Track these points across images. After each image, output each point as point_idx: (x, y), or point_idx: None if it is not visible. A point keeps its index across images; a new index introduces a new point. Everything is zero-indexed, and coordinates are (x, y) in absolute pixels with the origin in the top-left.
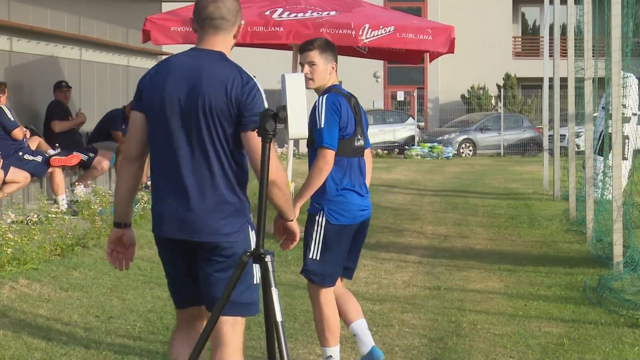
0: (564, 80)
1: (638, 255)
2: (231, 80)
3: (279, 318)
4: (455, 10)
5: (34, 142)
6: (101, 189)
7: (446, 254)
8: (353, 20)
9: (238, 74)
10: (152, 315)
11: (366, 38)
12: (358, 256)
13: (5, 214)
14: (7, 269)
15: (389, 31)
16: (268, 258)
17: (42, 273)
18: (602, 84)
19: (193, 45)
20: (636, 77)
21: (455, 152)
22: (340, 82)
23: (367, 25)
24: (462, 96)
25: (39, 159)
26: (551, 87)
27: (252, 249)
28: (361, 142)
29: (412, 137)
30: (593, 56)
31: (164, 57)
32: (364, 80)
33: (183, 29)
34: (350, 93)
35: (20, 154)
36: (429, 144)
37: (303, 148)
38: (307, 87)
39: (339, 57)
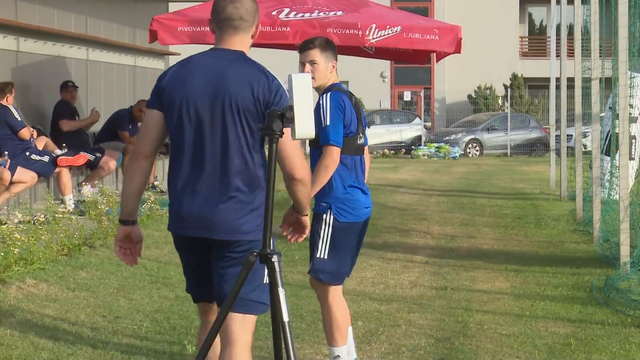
0: (570, 80)
1: None
2: (257, 80)
3: (285, 318)
4: (462, 10)
5: (41, 142)
6: (108, 189)
7: (453, 254)
8: (360, 20)
9: (263, 73)
10: (159, 315)
11: (373, 38)
12: (357, 255)
13: (13, 214)
14: (14, 269)
15: (396, 31)
16: (275, 258)
17: (49, 273)
18: (609, 84)
19: (197, 45)
20: None
21: (462, 152)
22: (340, 81)
23: (374, 25)
24: (469, 96)
25: (46, 159)
26: (558, 87)
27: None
28: (362, 140)
29: (419, 137)
30: (600, 56)
31: (170, 57)
32: (370, 80)
33: (190, 29)
34: (350, 92)
35: (27, 154)
36: (436, 144)
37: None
38: None
39: (346, 57)
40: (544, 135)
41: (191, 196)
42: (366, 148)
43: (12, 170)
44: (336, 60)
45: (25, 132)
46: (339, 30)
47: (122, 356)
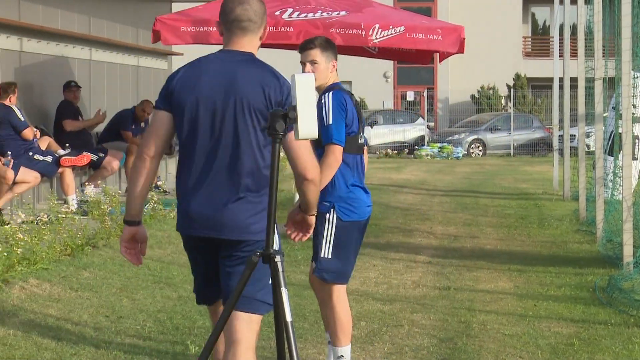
0: (574, 80)
1: None
2: (268, 81)
3: (288, 318)
4: (465, 10)
5: (44, 142)
6: (111, 189)
7: (456, 254)
8: (363, 20)
9: (273, 75)
10: (161, 315)
11: (376, 38)
12: (357, 255)
13: (16, 214)
14: (17, 269)
15: (399, 31)
16: (278, 258)
17: (52, 273)
18: (612, 84)
19: (201, 45)
20: None
21: (465, 152)
22: (343, 81)
23: (377, 26)
24: (472, 96)
25: (49, 159)
26: (561, 87)
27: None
28: (362, 140)
29: (422, 137)
30: (603, 56)
31: (173, 57)
32: (373, 80)
33: (193, 29)
34: (350, 91)
35: (31, 154)
36: (439, 144)
37: None
38: None
39: (349, 57)
40: (547, 135)
41: (201, 197)
42: (365, 148)
43: (15, 170)
44: (336, 59)
45: (29, 132)
46: (342, 31)
47: (125, 356)
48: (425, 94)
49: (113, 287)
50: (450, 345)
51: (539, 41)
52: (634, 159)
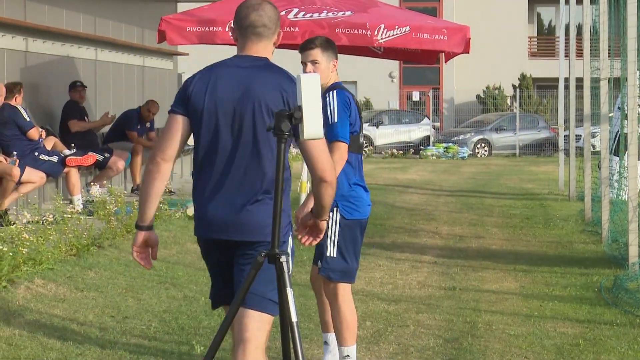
0: (579, 81)
1: None
2: (286, 85)
3: (294, 318)
4: (471, 10)
5: (50, 142)
6: (117, 189)
7: (461, 254)
8: (368, 20)
9: (290, 79)
10: (167, 315)
11: (381, 38)
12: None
13: (21, 214)
14: (22, 269)
15: (405, 31)
16: (283, 258)
17: (57, 273)
18: (617, 84)
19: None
20: None
21: (471, 153)
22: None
23: (383, 26)
24: (478, 96)
25: (54, 159)
26: (567, 87)
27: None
28: (362, 139)
29: (428, 138)
30: (609, 56)
31: (179, 57)
32: (379, 80)
33: (198, 29)
34: (349, 91)
35: (36, 154)
36: (444, 144)
37: None
38: None
39: (355, 57)
40: (553, 136)
41: (220, 200)
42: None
43: (21, 170)
44: (337, 59)
45: (34, 133)
46: (348, 31)
47: (130, 356)
48: (430, 94)
49: (118, 287)
50: (455, 345)
51: (544, 41)
52: None
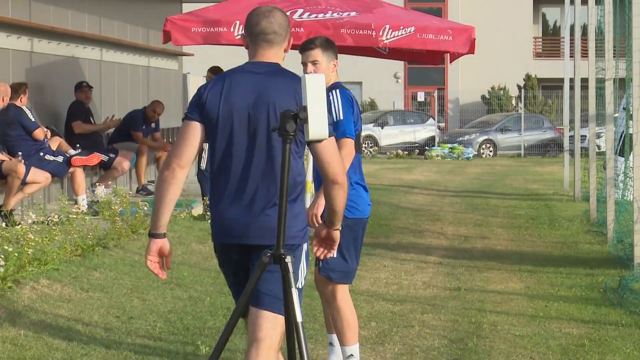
0: (584, 81)
1: None
2: (299, 90)
3: (299, 319)
4: (476, 11)
5: (55, 143)
6: (122, 190)
7: (466, 254)
8: (373, 21)
9: None
10: (172, 315)
11: (386, 39)
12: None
13: (26, 215)
14: (28, 269)
15: (410, 32)
16: (288, 259)
17: (62, 273)
18: (623, 84)
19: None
20: None
21: (476, 153)
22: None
23: (388, 26)
24: (483, 97)
25: (59, 159)
26: (572, 87)
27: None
28: (361, 139)
29: (433, 138)
30: (614, 57)
31: (184, 57)
32: (384, 80)
33: (203, 29)
34: None
35: (41, 154)
36: (450, 145)
37: None
38: None
39: (360, 57)
40: (558, 136)
41: (236, 205)
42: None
43: (26, 170)
44: (337, 59)
45: (39, 133)
46: (353, 31)
47: (135, 356)
48: (435, 94)
49: (124, 288)
50: (460, 346)
51: (549, 42)
52: None
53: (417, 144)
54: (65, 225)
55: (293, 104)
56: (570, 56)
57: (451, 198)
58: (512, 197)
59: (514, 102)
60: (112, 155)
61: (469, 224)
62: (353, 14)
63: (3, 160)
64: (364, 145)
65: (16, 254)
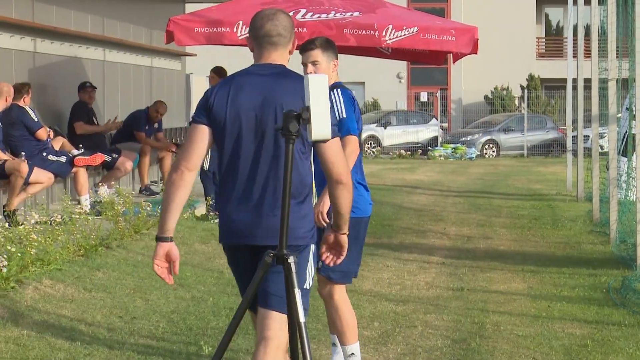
0: (587, 81)
1: None
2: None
3: (302, 319)
4: (479, 11)
5: (58, 143)
6: (124, 190)
7: (469, 255)
8: (376, 21)
9: None
10: (175, 316)
11: (389, 39)
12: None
13: (29, 215)
14: (31, 269)
15: (412, 32)
16: (291, 259)
17: (65, 274)
18: (625, 84)
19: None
20: None
21: (479, 153)
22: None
23: (391, 26)
24: (486, 97)
25: (62, 159)
26: (575, 87)
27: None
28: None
29: (436, 138)
30: (617, 57)
31: (187, 58)
32: (387, 81)
33: (206, 29)
34: None
35: (44, 154)
36: (452, 145)
37: None
38: None
39: (363, 58)
40: (561, 136)
41: (244, 206)
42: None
43: (30, 170)
44: (337, 59)
45: (42, 133)
46: (356, 31)
47: (138, 357)
48: (438, 94)
49: (126, 288)
50: (463, 346)
51: (552, 42)
52: None
53: (420, 144)
54: (68, 225)
55: (300, 104)
56: (573, 56)
57: (454, 198)
58: (515, 197)
59: (516, 102)
60: (114, 155)
61: (471, 224)
62: (356, 14)
63: (6, 160)
64: (366, 145)
65: (19, 254)
